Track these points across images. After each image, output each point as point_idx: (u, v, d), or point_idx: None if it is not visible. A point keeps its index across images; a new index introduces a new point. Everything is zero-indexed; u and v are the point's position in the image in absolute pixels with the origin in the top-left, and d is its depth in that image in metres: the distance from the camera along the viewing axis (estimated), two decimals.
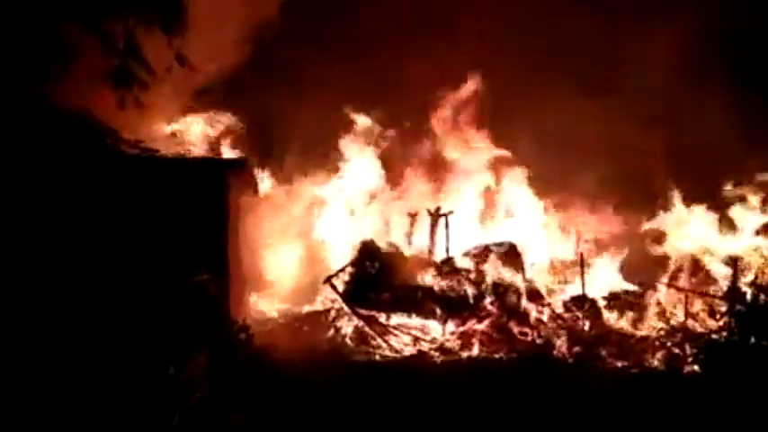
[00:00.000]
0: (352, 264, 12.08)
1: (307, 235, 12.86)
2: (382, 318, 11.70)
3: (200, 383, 7.58)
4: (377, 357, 11.23)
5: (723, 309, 8.46)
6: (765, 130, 11.72)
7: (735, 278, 9.40)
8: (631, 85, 12.20)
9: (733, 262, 10.55)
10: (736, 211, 11.88)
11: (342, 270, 12.06)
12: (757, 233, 11.62)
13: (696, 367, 8.07)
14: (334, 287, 11.90)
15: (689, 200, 12.16)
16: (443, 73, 12.81)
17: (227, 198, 10.37)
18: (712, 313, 9.04)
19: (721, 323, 7.83)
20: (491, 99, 12.99)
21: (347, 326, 11.61)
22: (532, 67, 12.51)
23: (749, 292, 7.80)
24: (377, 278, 11.97)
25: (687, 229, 11.88)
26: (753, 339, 7.14)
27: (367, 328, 11.53)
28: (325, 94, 12.62)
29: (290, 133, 12.94)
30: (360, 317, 11.59)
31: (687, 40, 11.86)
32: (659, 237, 12.13)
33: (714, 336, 7.93)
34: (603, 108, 12.15)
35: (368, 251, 12.16)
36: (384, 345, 11.45)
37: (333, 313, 11.81)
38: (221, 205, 10.27)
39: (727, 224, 11.82)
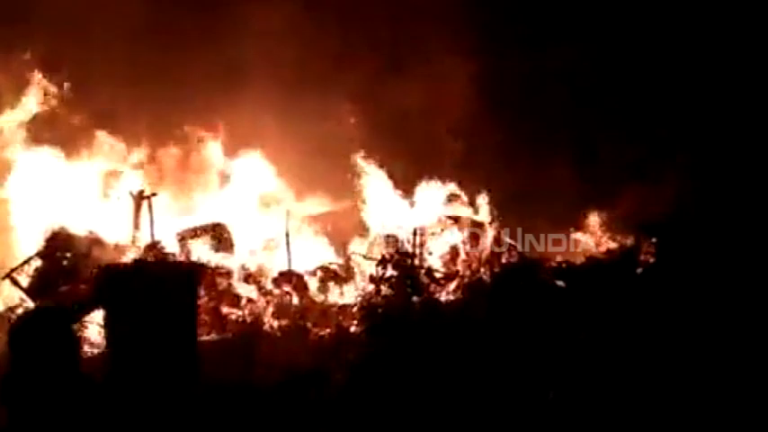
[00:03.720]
0: (40, 255, 10.96)
1: None
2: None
3: None
4: None
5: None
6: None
7: (415, 247, 10.32)
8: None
9: (414, 233, 11.59)
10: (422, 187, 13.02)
11: (26, 263, 10.88)
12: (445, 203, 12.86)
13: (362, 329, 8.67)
14: (16, 283, 10.69)
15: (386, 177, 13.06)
16: None
17: None
18: (372, 279, 9.72)
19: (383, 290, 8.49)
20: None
21: None
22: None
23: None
24: (70, 269, 11.00)
25: (382, 204, 12.76)
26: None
27: None
28: None
29: None
30: None
31: None
32: (358, 213, 12.86)
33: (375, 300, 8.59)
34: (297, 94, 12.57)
35: (59, 240, 11.12)
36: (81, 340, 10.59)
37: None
38: None
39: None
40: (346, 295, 11.89)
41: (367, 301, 8.83)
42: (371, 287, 9.07)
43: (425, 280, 8.48)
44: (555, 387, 6.28)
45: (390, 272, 8.30)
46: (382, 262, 8.63)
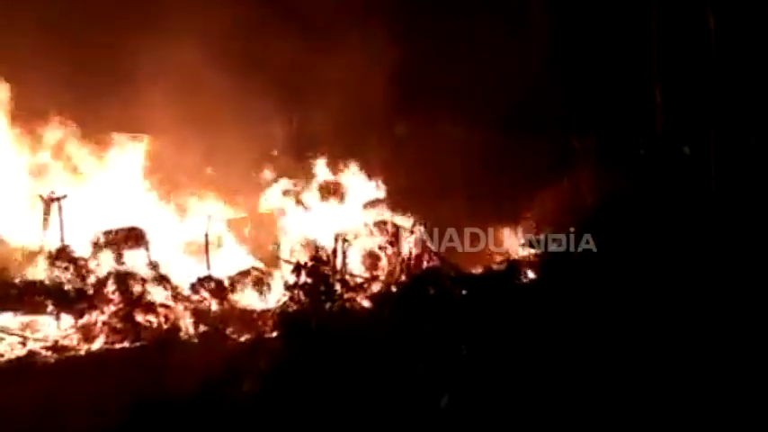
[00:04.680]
0: None
1: None
2: None
3: None
4: None
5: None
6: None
7: (335, 253, 10.31)
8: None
9: (335, 238, 11.59)
10: (350, 188, 13.00)
11: None
12: (365, 207, 12.90)
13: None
14: None
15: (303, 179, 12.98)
16: None
17: None
18: (287, 286, 9.64)
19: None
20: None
21: None
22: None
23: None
24: None
25: (304, 209, 12.69)
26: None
27: None
28: None
29: None
30: None
31: None
32: (280, 217, 12.74)
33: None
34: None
35: None
36: None
37: None
38: None
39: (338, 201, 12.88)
40: (267, 300, 11.75)
41: (282, 308, 8.75)
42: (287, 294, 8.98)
43: (339, 287, 8.47)
44: (449, 393, 6.42)
45: (304, 278, 8.25)
46: (297, 269, 8.57)
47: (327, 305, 7.74)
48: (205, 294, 11.55)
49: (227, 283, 11.76)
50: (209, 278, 11.70)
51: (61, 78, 11.64)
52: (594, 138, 13.15)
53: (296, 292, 8.26)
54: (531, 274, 8.37)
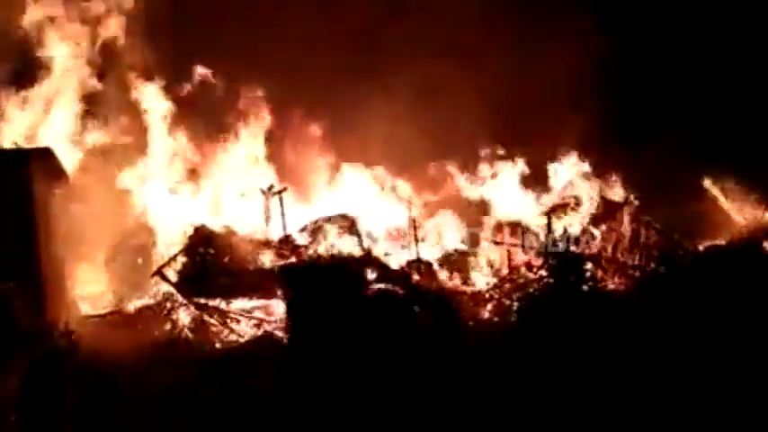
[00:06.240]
0: (184, 251, 11.56)
1: (129, 224, 12.14)
2: (222, 304, 11.36)
3: (11, 407, 6.87)
4: (218, 345, 10.94)
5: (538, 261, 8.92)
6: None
7: (548, 232, 10.11)
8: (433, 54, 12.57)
9: (546, 217, 11.35)
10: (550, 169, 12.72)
11: (173, 259, 11.53)
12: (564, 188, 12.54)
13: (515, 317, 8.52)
14: (165, 278, 11.33)
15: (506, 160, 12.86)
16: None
17: (33, 192, 9.47)
18: (529, 266, 9.60)
19: (538, 274, 8.32)
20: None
21: (184, 317, 11.15)
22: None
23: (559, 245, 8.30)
24: (212, 264, 11.56)
25: (504, 190, 12.57)
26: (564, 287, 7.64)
27: (206, 317, 11.13)
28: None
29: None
30: (196, 306, 11.16)
31: None
32: (482, 200, 12.76)
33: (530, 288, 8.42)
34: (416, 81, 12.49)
35: (200, 237, 11.68)
36: (226, 331, 11.15)
37: (168, 305, 11.26)
38: (27, 201, 9.37)
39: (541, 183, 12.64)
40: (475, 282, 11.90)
41: (527, 291, 8.67)
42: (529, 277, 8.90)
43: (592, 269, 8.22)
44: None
45: (552, 261, 8.10)
46: (546, 254, 8.41)
47: (579, 288, 7.53)
48: (415, 277, 11.91)
49: (435, 265, 12.07)
50: (418, 260, 12.06)
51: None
52: None
53: (545, 275, 8.10)
54: None
